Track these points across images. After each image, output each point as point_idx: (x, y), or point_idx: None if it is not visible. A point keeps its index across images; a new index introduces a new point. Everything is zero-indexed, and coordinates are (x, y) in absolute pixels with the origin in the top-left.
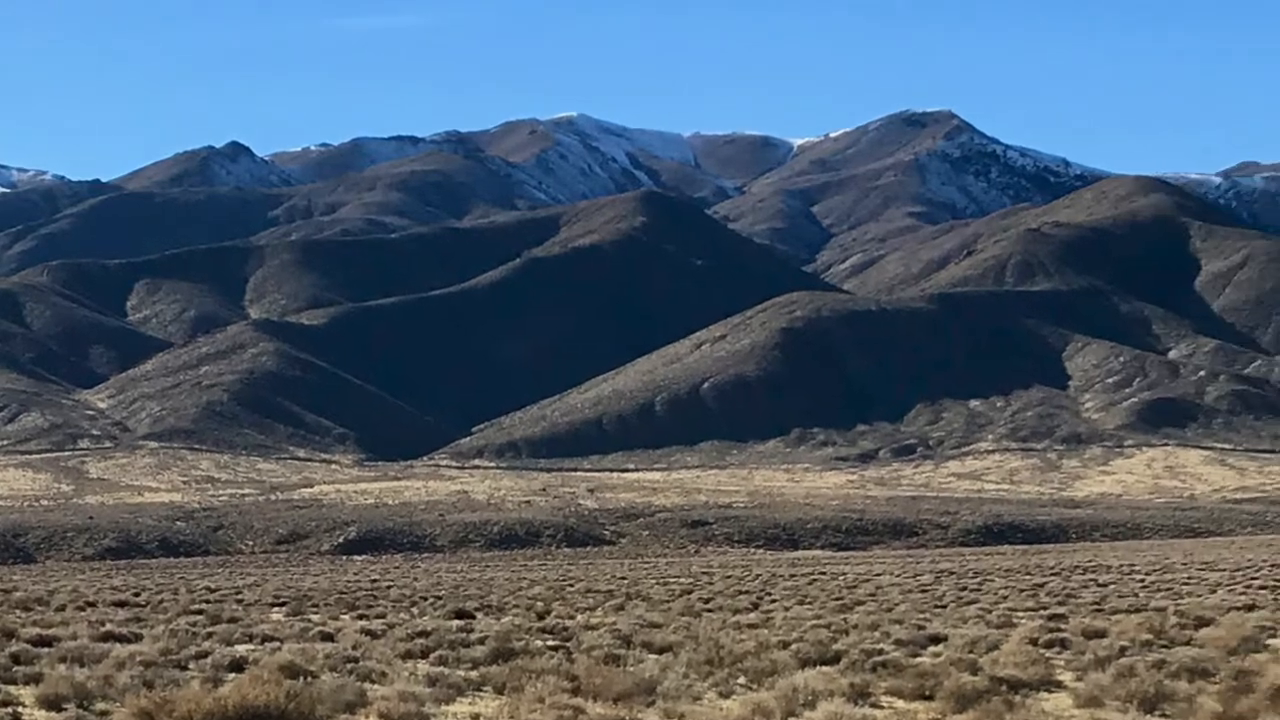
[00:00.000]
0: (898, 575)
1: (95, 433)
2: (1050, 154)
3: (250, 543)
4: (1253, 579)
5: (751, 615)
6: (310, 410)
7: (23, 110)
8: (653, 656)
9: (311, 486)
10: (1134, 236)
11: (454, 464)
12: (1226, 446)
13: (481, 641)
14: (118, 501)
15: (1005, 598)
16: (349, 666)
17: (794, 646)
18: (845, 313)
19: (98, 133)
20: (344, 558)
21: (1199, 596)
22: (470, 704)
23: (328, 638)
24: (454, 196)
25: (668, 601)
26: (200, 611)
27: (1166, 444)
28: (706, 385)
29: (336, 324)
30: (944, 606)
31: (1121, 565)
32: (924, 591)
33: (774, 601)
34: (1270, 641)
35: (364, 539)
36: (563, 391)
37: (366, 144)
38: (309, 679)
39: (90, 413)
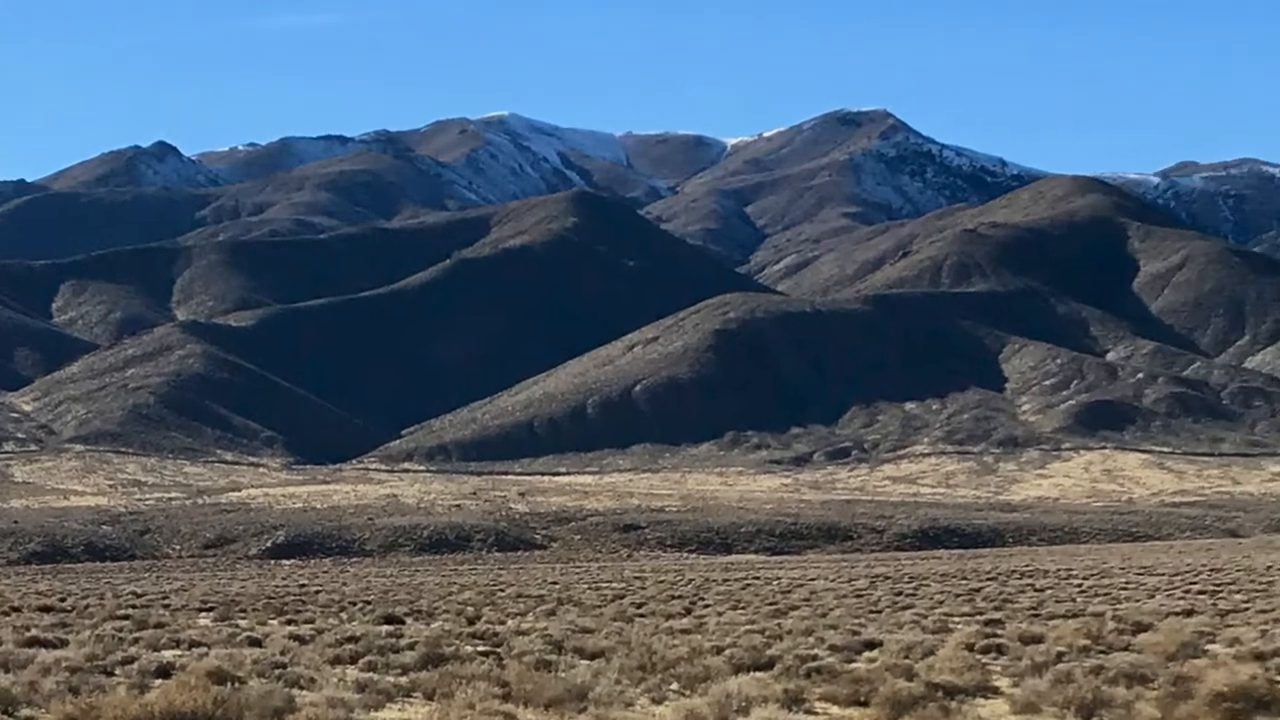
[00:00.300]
0: (832, 580)
1: (20, 436)
2: (987, 154)
3: (177, 547)
4: (1191, 584)
5: (684, 620)
6: (238, 413)
7: None
8: (584, 662)
9: (239, 490)
10: (1071, 237)
11: (383, 467)
12: (1165, 450)
13: (411, 647)
14: (43, 505)
15: (941, 603)
16: (277, 672)
17: (727, 652)
18: (779, 314)
19: (23, 132)
20: (272, 562)
21: (1137, 602)
22: (400, 710)
23: (255, 643)
24: (383, 196)
25: (600, 607)
26: (127, 617)
27: (1104, 447)
28: (639, 388)
29: (264, 325)
30: (879, 611)
31: (1059, 570)
32: (859, 596)
33: (707, 606)
34: (1209, 647)
35: (292, 543)
36: (493, 394)
37: (295, 143)
38: (236, 685)
39: (15, 415)
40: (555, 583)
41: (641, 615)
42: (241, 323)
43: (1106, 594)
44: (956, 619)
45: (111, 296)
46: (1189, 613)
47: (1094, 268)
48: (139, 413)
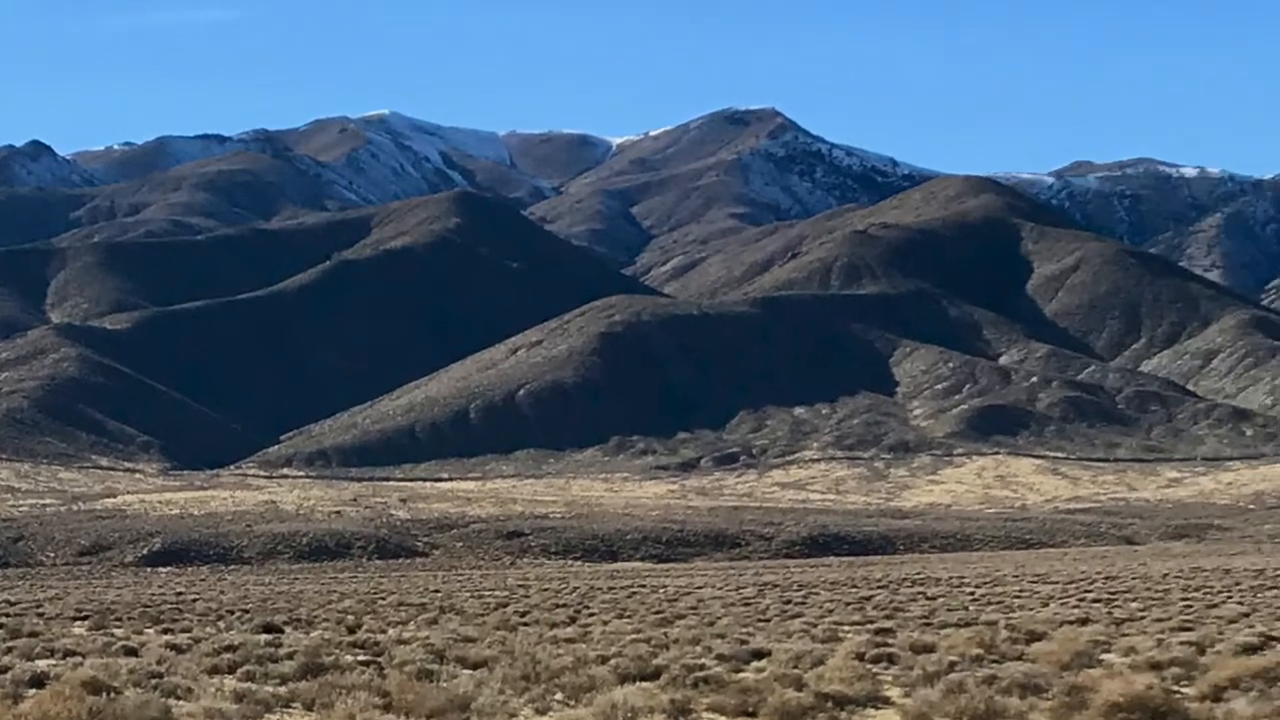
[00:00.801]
0: (720, 588)
1: None
2: (877, 153)
3: (51, 554)
4: (1086, 592)
5: (569, 629)
6: (113, 418)
7: None
8: (467, 672)
9: (115, 496)
10: (964, 238)
11: (262, 473)
12: (1059, 455)
13: (290, 656)
14: None
15: (831, 611)
16: (153, 682)
17: (613, 661)
18: (666, 317)
19: None
20: (148, 570)
21: (1031, 610)
22: None
23: (131, 652)
24: (262, 197)
25: (482, 615)
26: (0, 625)
27: (997, 452)
28: (522, 392)
29: (141, 328)
30: (768, 620)
31: (951, 578)
32: (747, 605)
33: (592, 615)
34: (1104, 656)
35: (169, 550)
36: (374, 398)
37: (172, 143)
38: (112, 695)
39: None
40: (437, 591)
41: (525, 624)
42: (117, 325)
43: (1000, 602)
44: (847, 628)
45: None
46: (1084, 621)
47: (987, 269)
48: (12, 417)
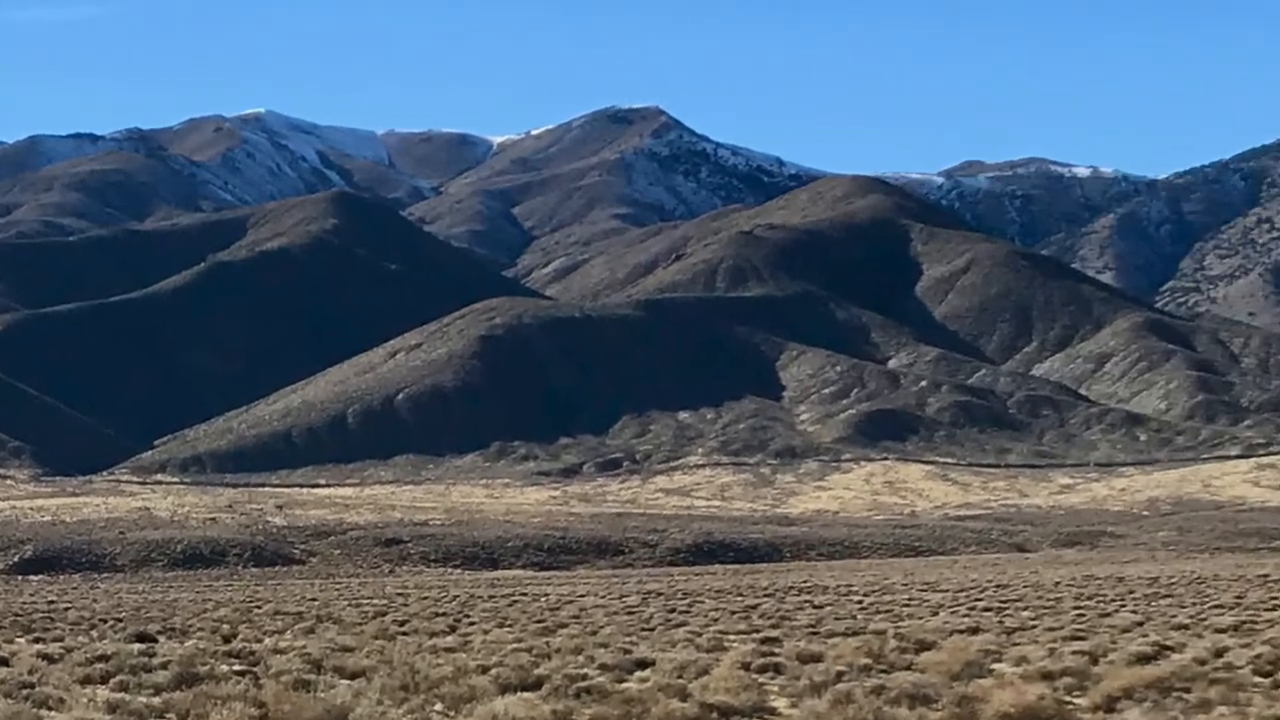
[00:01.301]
0: (603, 596)
1: None
2: (763, 152)
3: None
4: (976, 600)
5: (449, 638)
6: None
7: None
8: (345, 682)
9: None
10: (851, 239)
11: (135, 479)
12: (949, 460)
13: (164, 666)
14: None
15: (716, 620)
16: (25, 693)
17: (493, 671)
18: (547, 320)
19: None
20: (19, 578)
21: (920, 619)
22: None
23: (2, 662)
24: (135, 197)
25: (360, 624)
26: None
27: (886, 458)
28: (401, 396)
29: (11, 331)
30: (651, 629)
31: (839, 586)
32: (630, 613)
33: (472, 624)
34: (995, 666)
35: (40, 558)
36: (250, 403)
37: (43, 142)
38: None
39: None
40: (314, 599)
41: (404, 633)
42: None
43: (888, 611)
44: (732, 637)
45: None
46: (974, 630)
47: (875, 271)
48: None
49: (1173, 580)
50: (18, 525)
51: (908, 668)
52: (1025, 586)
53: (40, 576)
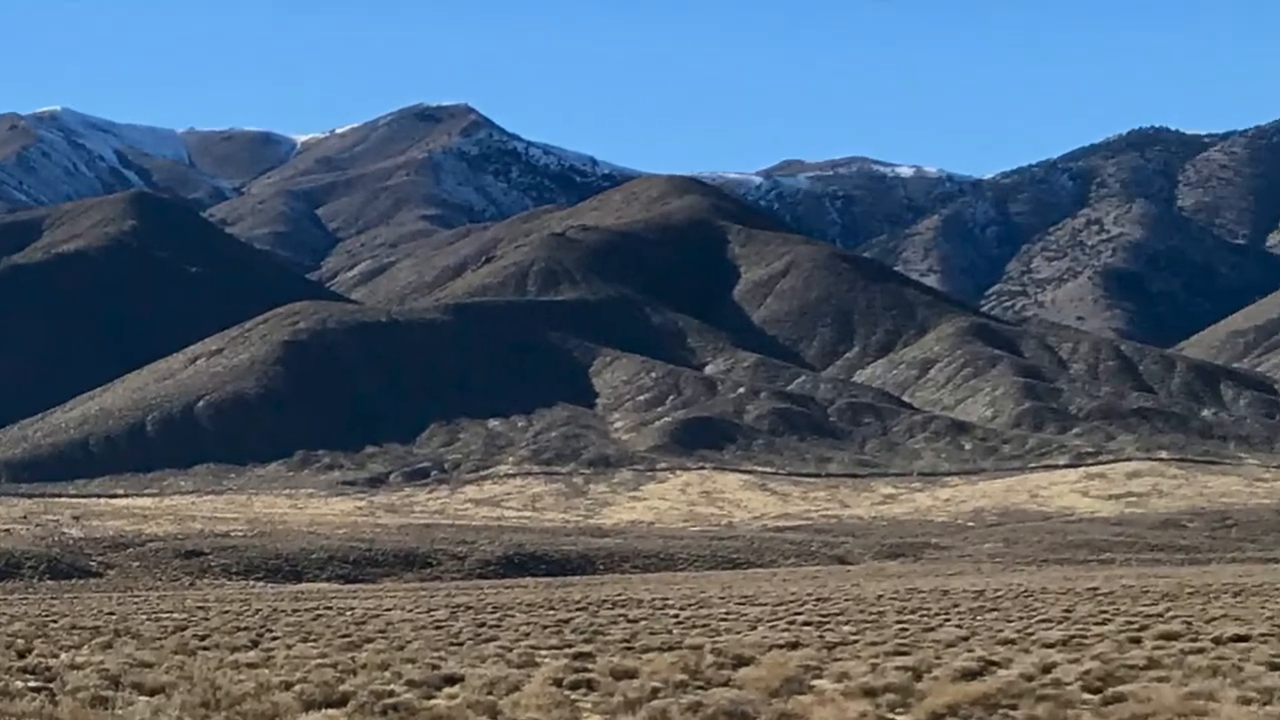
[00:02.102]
0: (410, 610)
1: None
2: (576, 152)
3: None
4: (796, 614)
5: (251, 654)
6: None
7: None
8: (143, 699)
9: None
10: (667, 241)
11: None
12: (768, 470)
13: None
14: None
15: (527, 634)
16: None
17: (297, 687)
18: (353, 324)
19: None
20: None
21: (738, 633)
22: None
23: None
24: None
25: (160, 639)
26: None
27: (703, 467)
28: (202, 403)
29: None
30: (460, 644)
31: (654, 599)
32: (439, 628)
33: (275, 639)
34: (815, 682)
35: None
36: (45, 410)
37: None
38: None
39: None
40: (112, 613)
41: (205, 648)
42: None
43: (705, 625)
44: (544, 652)
45: None
46: (794, 645)
47: (692, 274)
48: None
49: (999, 593)
50: None
51: (725, 684)
52: (847, 600)
53: None
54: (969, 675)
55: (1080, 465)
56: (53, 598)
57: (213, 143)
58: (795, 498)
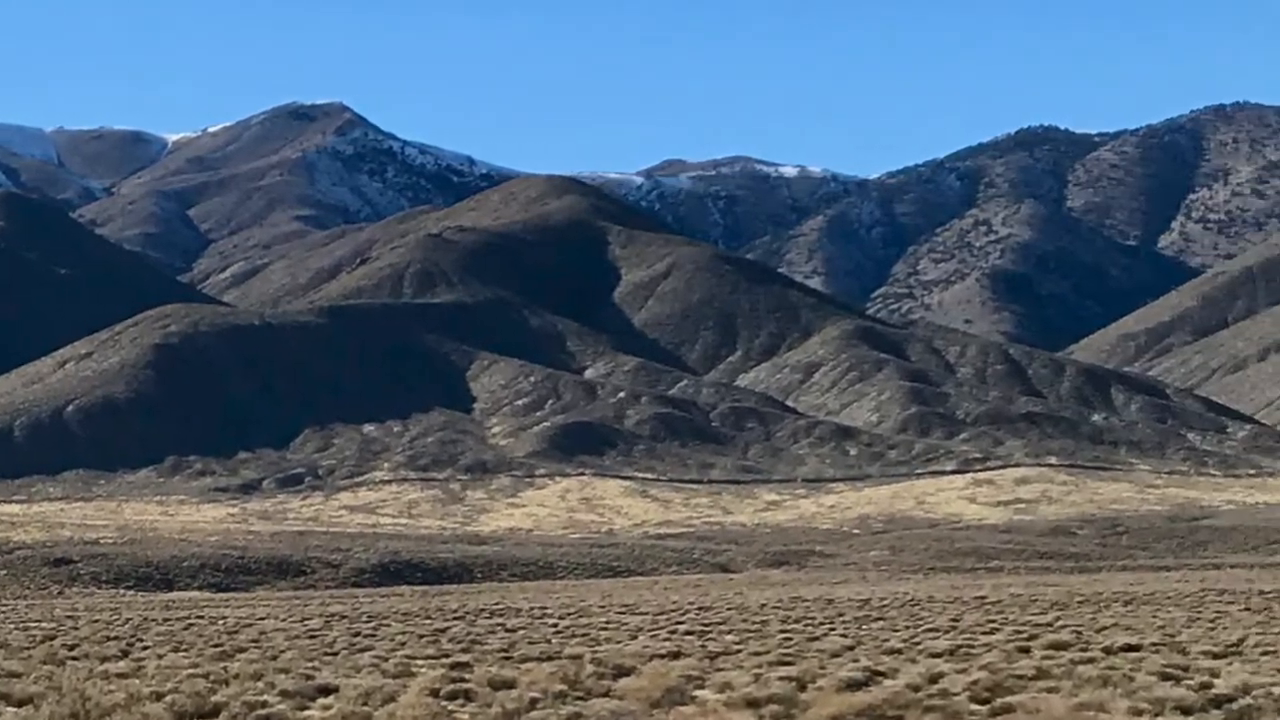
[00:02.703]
0: (284, 619)
1: None
2: (453, 151)
3: None
4: (678, 623)
5: (121, 664)
6: None
7: None
8: (11, 710)
9: None
10: (546, 243)
11: None
12: (649, 476)
13: None
14: None
15: (403, 644)
16: None
17: (169, 698)
18: (225, 327)
19: None
20: None
21: (618, 643)
22: None
23: None
24: None
25: (28, 648)
26: None
27: (582, 473)
28: (71, 408)
29: None
30: (335, 654)
31: (533, 608)
32: (313, 637)
33: (146, 648)
34: (697, 693)
35: None
36: None
37: None
38: None
39: None
40: None
41: (74, 658)
42: None
43: (585, 634)
44: (420, 662)
45: None
46: (675, 655)
47: (571, 276)
48: None
49: (885, 602)
50: None
51: (606, 694)
52: (730, 609)
53: None
54: (854, 686)
55: (968, 471)
56: None
57: (82, 142)
58: (677, 504)
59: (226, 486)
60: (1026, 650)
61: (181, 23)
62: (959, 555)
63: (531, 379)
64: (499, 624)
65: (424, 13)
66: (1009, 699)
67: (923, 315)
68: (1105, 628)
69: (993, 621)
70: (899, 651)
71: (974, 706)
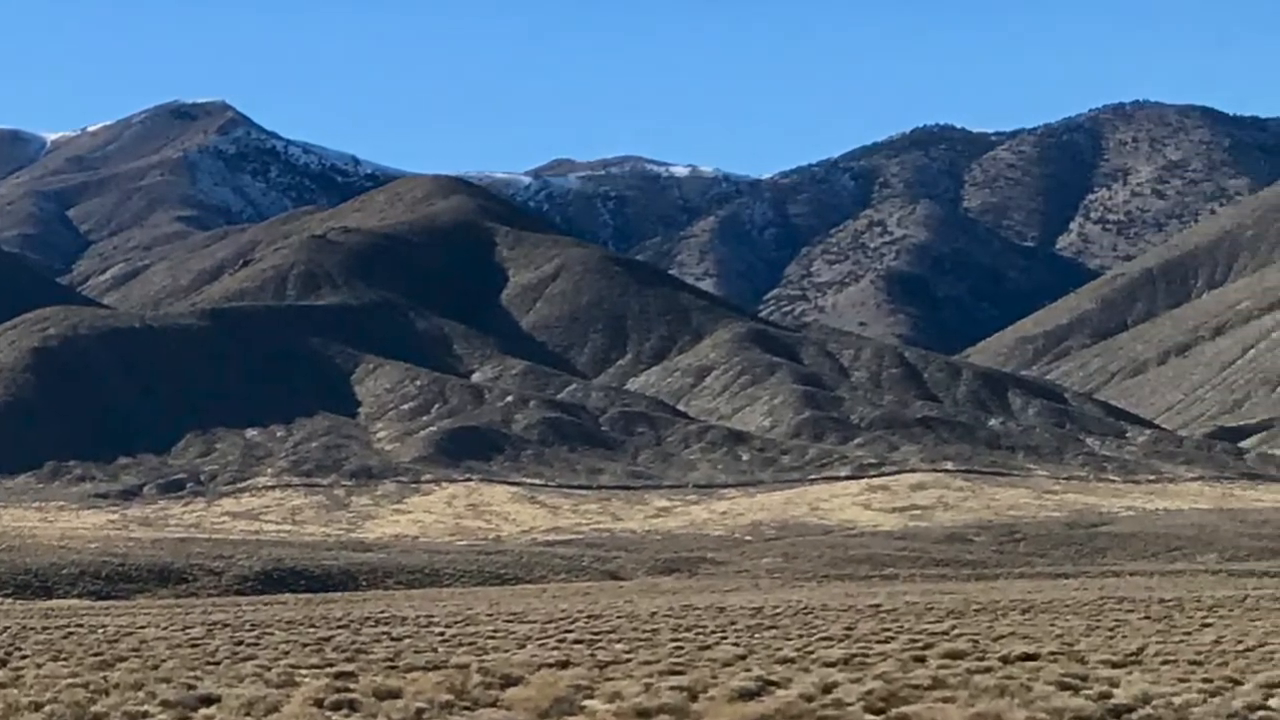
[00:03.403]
0: (165, 628)
1: None
2: (338, 151)
3: None
4: (567, 632)
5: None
6: None
7: None
8: None
9: None
10: (433, 244)
11: None
12: (537, 482)
13: None
14: None
15: (287, 653)
16: None
17: (47, 708)
18: (105, 331)
19: None
20: None
21: (506, 652)
22: None
23: None
24: None
25: None
26: None
27: (469, 479)
28: None
29: None
30: (217, 663)
31: (419, 616)
32: (195, 646)
33: (25, 658)
34: (587, 703)
35: None
36: None
37: None
38: None
39: None
40: None
41: None
42: None
43: (472, 643)
44: (304, 671)
45: None
46: (564, 664)
47: (458, 278)
48: None
49: (778, 610)
50: None
51: (493, 704)
52: (619, 617)
53: None
54: (746, 695)
55: (862, 477)
56: None
57: None
58: (566, 510)
59: (107, 493)
60: (922, 659)
61: (61, 19)
62: (853, 562)
63: (418, 383)
64: (384, 632)
65: (308, 10)
66: (904, 709)
67: (816, 318)
68: (1002, 636)
69: (888, 630)
70: (792, 661)
71: (868, 717)
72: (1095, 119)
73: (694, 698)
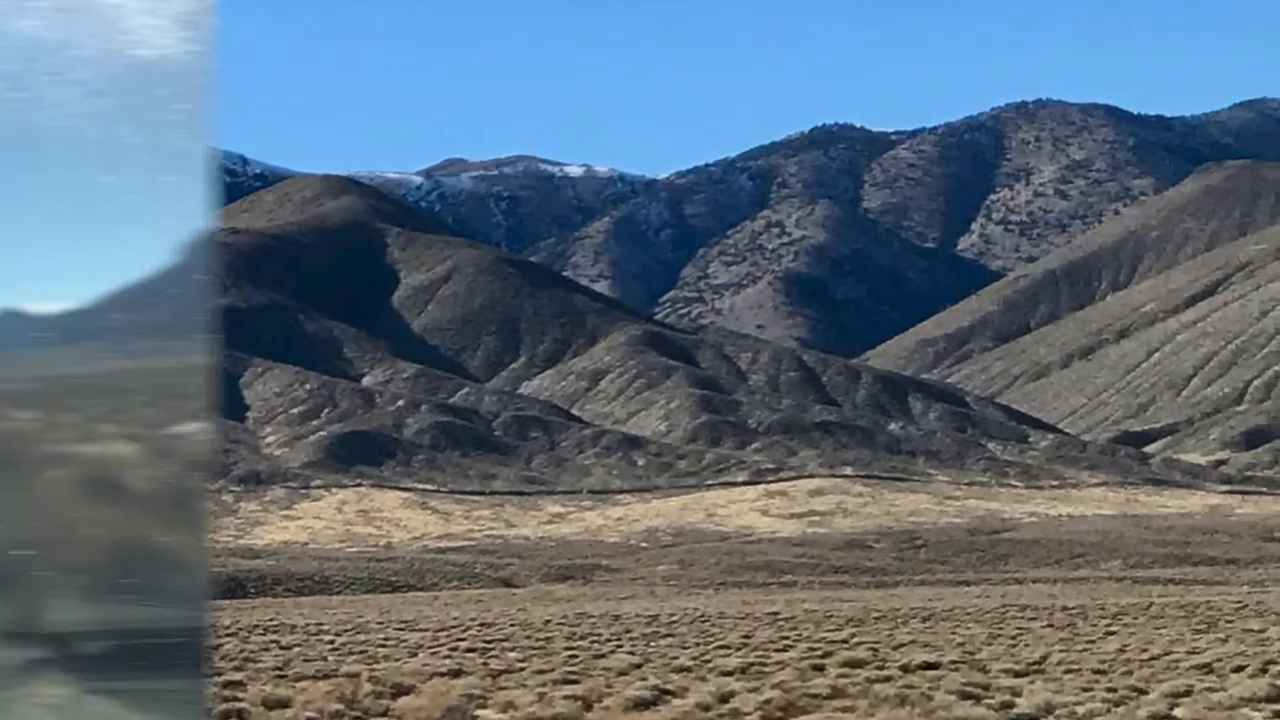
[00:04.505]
0: None
1: None
2: (225, 150)
3: None
4: (459, 640)
5: None
6: None
7: None
8: None
9: None
10: (322, 245)
11: None
12: (429, 487)
13: None
14: None
15: None
16: None
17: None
18: None
19: None
20: None
21: (397, 660)
22: None
23: None
24: None
25: None
26: None
27: (360, 484)
28: None
29: None
30: None
31: (308, 624)
32: None
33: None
34: (480, 712)
35: None
36: None
37: None
38: None
39: None
40: None
41: None
42: None
43: (362, 652)
44: None
45: None
46: (456, 673)
47: (348, 280)
48: None
49: (674, 618)
50: None
51: (384, 714)
52: (512, 625)
53: None
54: (642, 705)
55: (760, 482)
56: None
57: None
58: (458, 517)
59: None
60: (821, 668)
61: None
62: (751, 569)
63: (307, 386)
64: (273, 641)
65: None
66: (802, 718)
67: (713, 320)
68: (902, 645)
69: (786, 638)
70: (689, 669)
71: None
72: (997, 118)
73: (589, 707)
